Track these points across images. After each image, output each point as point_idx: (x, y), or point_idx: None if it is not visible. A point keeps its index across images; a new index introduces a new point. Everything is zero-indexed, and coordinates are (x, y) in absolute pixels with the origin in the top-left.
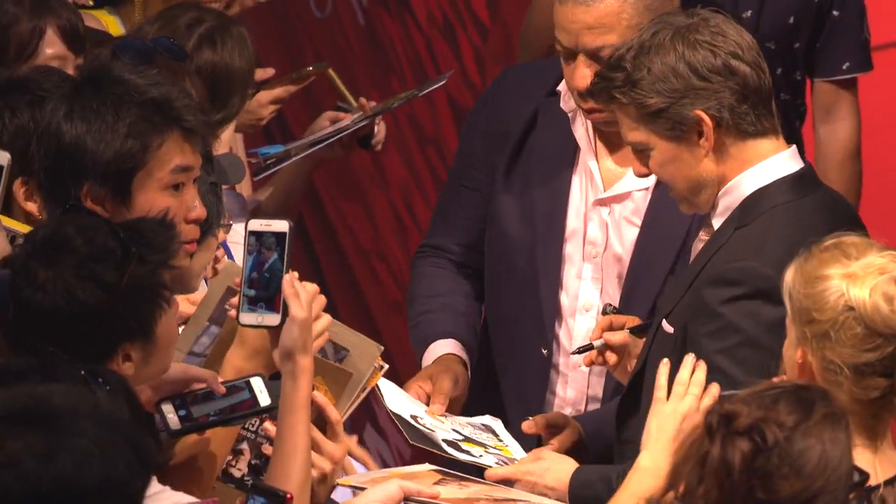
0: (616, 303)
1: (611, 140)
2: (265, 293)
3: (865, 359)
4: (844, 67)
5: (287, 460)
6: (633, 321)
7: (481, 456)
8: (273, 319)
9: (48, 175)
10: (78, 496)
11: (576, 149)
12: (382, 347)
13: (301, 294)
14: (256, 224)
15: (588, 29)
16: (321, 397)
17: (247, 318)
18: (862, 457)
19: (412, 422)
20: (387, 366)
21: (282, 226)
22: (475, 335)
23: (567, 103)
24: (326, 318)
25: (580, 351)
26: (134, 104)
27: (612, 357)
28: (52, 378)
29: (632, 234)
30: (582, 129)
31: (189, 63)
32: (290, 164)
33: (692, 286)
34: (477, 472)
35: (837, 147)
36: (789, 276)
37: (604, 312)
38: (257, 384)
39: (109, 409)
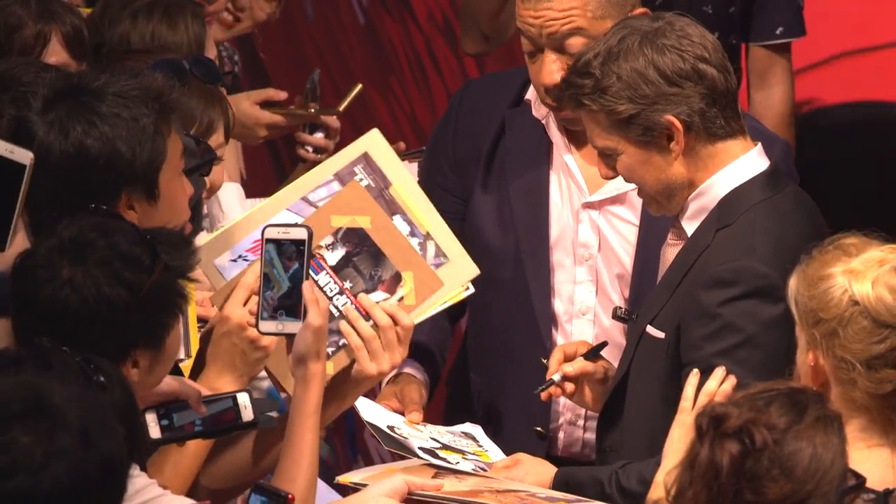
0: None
1: (582, 140)
2: (287, 301)
3: (875, 351)
4: (778, 32)
5: (293, 465)
6: (584, 346)
7: (458, 462)
8: (294, 326)
9: (71, 195)
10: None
11: (549, 146)
12: (479, 271)
13: (320, 301)
14: (274, 231)
15: (553, 21)
16: (406, 292)
17: (266, 325)
18: (879, 456)
19: (388, 431)
20: (473, 289)
21: (300, 233)
22: (440, 354)
23: (539, 111)
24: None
25: (542, 389)
26: (140, 100)
27: (569, 386)
28: (47, 365)
29: (629, 232)
30: (558, 134)
31: (220, 86)
32: None
33: (677, 289)
34: None
35: (771, 113)
36: (793, 282)
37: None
38: (243, 399)
39: (104, 398)
